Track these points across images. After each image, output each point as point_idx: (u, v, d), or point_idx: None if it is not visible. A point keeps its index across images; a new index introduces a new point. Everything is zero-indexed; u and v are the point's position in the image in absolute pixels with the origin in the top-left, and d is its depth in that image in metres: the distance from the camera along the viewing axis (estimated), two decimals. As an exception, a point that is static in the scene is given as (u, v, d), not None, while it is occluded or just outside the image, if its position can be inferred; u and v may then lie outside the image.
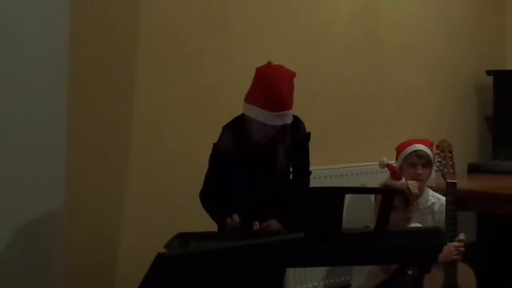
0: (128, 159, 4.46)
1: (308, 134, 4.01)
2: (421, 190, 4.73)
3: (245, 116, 3.84)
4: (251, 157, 3.86)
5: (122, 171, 4.44)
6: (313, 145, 4.11)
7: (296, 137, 3.95)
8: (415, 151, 4.77)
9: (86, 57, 4.18)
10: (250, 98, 3.79)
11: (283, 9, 5.24)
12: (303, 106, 3.97)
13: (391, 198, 3.63)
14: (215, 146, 3.90)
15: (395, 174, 4.22)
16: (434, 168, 4.75)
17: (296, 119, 3.92)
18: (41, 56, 3.24)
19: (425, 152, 4.76)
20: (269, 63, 3.83)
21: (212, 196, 3.89)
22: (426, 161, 4.75)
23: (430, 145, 4.81)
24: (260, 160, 3.88)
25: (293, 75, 3.80)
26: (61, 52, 3.40)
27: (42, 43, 3.24)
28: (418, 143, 4.83)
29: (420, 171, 4.71)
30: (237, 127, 3.88)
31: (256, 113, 3.73)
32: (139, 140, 4.49)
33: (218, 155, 3.89)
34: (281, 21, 5.23)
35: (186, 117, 4.69)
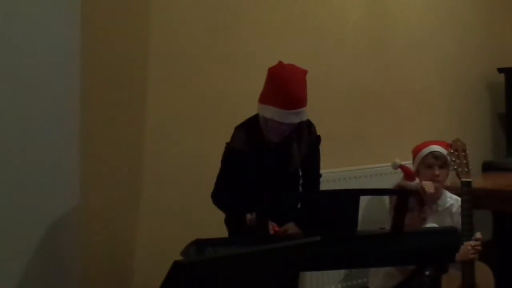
0: (141, 165, 4.46)
1: (319, 137, 4.03)
2: (439, 191, 4.71)
3: (260, 117, 3.85)
4: (264, 157, 3.87)
5: (135, 177, 4.45)
6: (325, 147, 4.12)
7: (309, 140, 3.97)
8: (432, 152, 4.76)
9: (97, 62, 4.18)
10: (265, 98, 3.81)
11: (293, 12, 5.24)
12: (314, 108, 3.96)
13: (406, 199, 3.62)
14: (229, 146, 3.90)
15: (408, 174, 4.21)
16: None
17: (309, 122, 3.94)
18: (53, 62, 3.26)
19: (441, 153, 4.75)
20: (281, 63, 3.85)
21: (227, 195, 3.89)
22: (442, 162, 4.74)
23: (446, 146, 4.80)
24: (273, 160, 3.89)
25: (305, 72, 3.82)
26: (73, 58, 3.42)
27: (54, 49, 3.26)
28: (434, 144, 4.82)
29: (437, 172, 4.70)
30: (250, 128, 3.90)
31: (272, 113, 3.74)
32: (152, 145, 4.49)
33: (232, 154, 3.89)
34: (291, 24, 5.22)
35: (198, 120, 4.69)
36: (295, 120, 3.77)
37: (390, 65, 5.91)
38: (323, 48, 5.42)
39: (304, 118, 3.81)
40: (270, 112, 3.75)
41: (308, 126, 3.95)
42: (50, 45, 3.24)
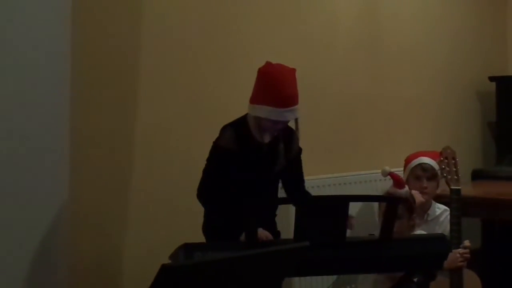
0: (132, 166, 4.46)
1: (300, 149, 4.05)
2: (428, 202, 4.72)
3: (250, 117, 3.88)
4: (251, 157, 3.87)
5: (126, 178, 4.44)
6: (314, 153, 4.15)
7: (290, 146, 3.99)
8: (420, 164, 4.78)
9: (89, 63, 4.18)
10: (257, 98, 3.83)
11: (285, 15, 5.25)
12: (304, 113, 3.96)
13: (396, 206, 3.63)
14: (216, 144, 3.91)
15: (398, 182, 4.22)
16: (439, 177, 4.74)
17: (290, 130, 3.97)
18: (43, 63, 3.26)
19: (430, 165, 4.76)
20: (269, 63, 3.88)
21: (211, 192, 3.89)
22: (430, 174, 4.75)
23: (437, 157, 4.80)
24: (260, 160, 3.90)
25: (294, 70, 3.86)
26: (64, 59, 3.42)
27: (45, 50, 3.26)
28: (424, 155, 4.83)
29: (425, 184, 4.72)
30: (239, 127, 3.90)
31: (267, 112, 3.76)
32: (143, 146, 4.49)
33: (219, 153, 3.89)
34: (283, 26, 5.23)
35: (191, 121, 4.69)
36: (291, 117, 3.81)
37: (382, 72, 5.93)
38: (315, 54, 5.43)
39: (298, 116, 3.85)
40: (265, 112, 3.76)
41: (292, 132, 3.97)
42: (40, 44, 3.24)
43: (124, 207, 4.44)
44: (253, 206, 3.55)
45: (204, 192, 3.93)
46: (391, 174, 4.22)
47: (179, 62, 4.66)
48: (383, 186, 4.63)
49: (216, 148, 3.90)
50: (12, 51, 3.14)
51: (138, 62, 4.48)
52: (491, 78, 6.59)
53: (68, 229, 3.54)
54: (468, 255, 4.37)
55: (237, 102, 4.62)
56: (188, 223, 4.54)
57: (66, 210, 3.46)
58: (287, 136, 3.96)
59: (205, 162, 3.94)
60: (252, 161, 3.88)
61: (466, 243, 4.40)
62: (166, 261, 3.18)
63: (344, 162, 5.55)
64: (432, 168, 4.75)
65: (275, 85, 3.77)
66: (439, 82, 6.42)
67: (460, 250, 4.34)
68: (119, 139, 4.42)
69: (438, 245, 3.75)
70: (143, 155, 4.50)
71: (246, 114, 3.93)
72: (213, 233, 3.96)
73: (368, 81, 5.82)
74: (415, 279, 4.24)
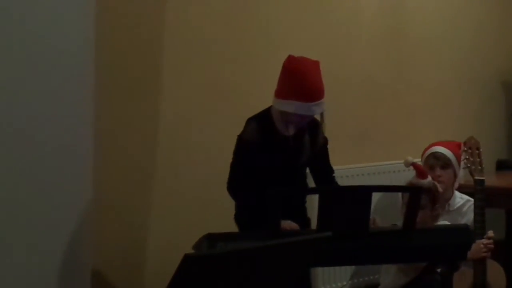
0: (155, 159, 4.48)
1: (326, 139, 4.06)
2: (447, 191, 4.69)
3: (274, 110, 3.90)
4: (275, 149, 3.90)
5: (149, 171, 4.46)
6: (338, 143, 4.14)
7: (316, 139, 4.00)
8: (432, 153, 4.75)
9: (112, 58, 4.20)
10: (284, 93, 3.83)
11: (308, 6, 5.24)
12: (328, 103, 3.96)
13: (419, 196, 3.62)
14: (240, 137, 3.93)
15: (420, 172, 4.20)
16: (462, 165, 4.71)
17: (315, 122, 3.98)
18: (67, 58, 3.27)
19: (442, 153, 4.73)
20: (292, 56, 3.87)
21: (240, 185, 3.93)
22: (443, 163, 4.71)
23: (454, 146, 4.77)
24: (285, 152, 3.92)
25: (318, 63, 3.86)
26: (87, 54, 3.43)
27: (69, 46, 3.27)
28: (438, 145, 4.80)
29: (438, 173, 4.67)
30: (263, 120, 3.93)
31: (295, 107, 3.77)
32: (166, 139, 4.51)
33: (243, 145, 3.92)
34: (306, 18, 5.22)
35: (213, 115, 4.71)
36: (318, 111, 3.84)
37: (405, 60, 5.90)
38: (337, 43, 5.42)
39: (324, 108, 3.86)
40: (293, 107, 3.78)
41: (317, 124, 3.98)
42: (63, 43, 3.26)
43: (147, 199, 4.46)
44: (276, 196, 3.55)
45: (232, 185, 3.96)
46: (413, 165, 4.20)
47: (202, 55, 4.67)
48: (407, 176, 4.61)
49: (240, 141, 3.93)
50: (36, 49, 3.16)
51: (162, 55, 4.49)
52: (516, 68, 6.56)
53: (92, 222, 3.56)
54: (492, 246, 4.35)
55: (259, 94, 4.63)
56: (210, 213, 4.57)
57: (90, 203, 3.48)
58: (313, 128, 3.97)
59: (232, 156, 3.97)
60: (277, 152, 3.90)
61: (490, 233, 4.38)
62: (189, 251, 3.20)
63: (367, 152, 5.54)
64: (444, 156, 4.72)
65: (301, 80, 3.77)
66: (463, 72, 6.39)
67: (484, 241, 4.33)
68: (141, 132, 4.44)
69: (461, 236, 3.73)
70: (166, 147, 4.52)
71: (270, 107, 3.94)
72: (245, 223, 3.97)
73: (391, 72, 5.80)
74: (439, 270, 4.24)
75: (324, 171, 4.11)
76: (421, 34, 6.02)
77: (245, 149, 3.90)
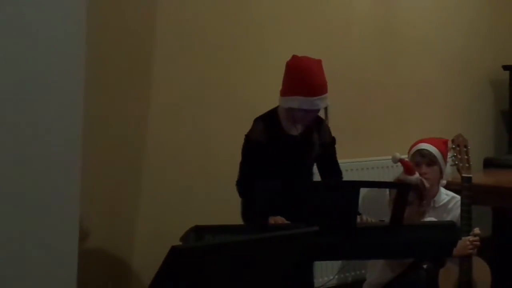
0: (144, 153, 4.47)
1: (334, 138, 4.21)
2: (433, 188, 4.70)
3: (281, 109, 4.01)
4: (283, 148, 3.99)
5: (137, 164, 4.46)
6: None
7: (321, 137, 4.12)
8: (418, 150, 4.76)
9: (101, 51, 4.19)
10: (288, 90, 3.95)
11: (300, 4, 5.24)
12: (332, 102, 4.03)
13: (406, 192, 3.64)
14: (247, 137, 4.02)
15: (408, 169, 4.22)
16: (450, 163, 4.73)
17: (320, 119, 4.10)
18: (56, 51, 3.27)
19: (428, 150, 4.73)
20: (295, 56, 4.01)
21: (248, 185, 3.96)
22: (429, 160, 4.71)
23: (440, 143, 4.79)
24: (292, 150, 4.01)
25: (321, 61, 4.01)
26: (77, 49, 3.42)
27: (57, 39, 3.27)
28: (424, 142, 4.81)
29: (424, 170, 4.67)
30: (269, 120, 4.03)
31: (300, 102, 3.89)
32: (155, 134, 4.51)
33: (250, 145, 4.01)
34: (298, 14, 5.22)
35: (202, 111, 4.70)
36: (322, 105, 3.97)
37: (396, 58, 5.91)
38: (329, 39, 5.42)
39: (329, 103, 4.01)
40: (298, 102, 3.90)
41: (321, 122, 4.11)
42: (52, 37, 3.25)
43: (135, 191, 4.46)
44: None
45: (241, 184, 4.02)
46: (401, 161, 4.22)
47: (194, 48, 4.67)
48: (395, 172, 4.63)
49: (248, 141, 4.02)
50: (24, 43, 3.16)
51: (153, 49, 4.49)
52: (505, 67, 6.56)
53: (80, 216, 3.56)
54: (478, 243, 4.37)
55: (250, 88, 4.67)
56: (199, 205, 4.57)
57: (77, 194, 3.48)
58: (318, 126, 4.10)
59: (241, 155, 4.05)
60: (284, 151, 4.00)
61: (476, 230, 4.40)
62: (177, 243, 3.20)
63: (356, 148, 5.54)
64: (430, 153, 4.72)
65: (304, 76, 3.90)
66: (452, 70, 6.40)
67: (470, 238, 4.35)
68: (130, 124, 4.44)
69: (448, 232, 3.75)
70: (154, 140, 4.51)
71: (277, 107, 4.04)
72: (251, 220, 4.00)
73: (382, 68, 5.81)
74: (425, 266, 4.27)
75: (332, 171, 4.21)
76: (412, 32, 6.03)
77: (252, 148, 4.00)
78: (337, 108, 5.37)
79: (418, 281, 4.26)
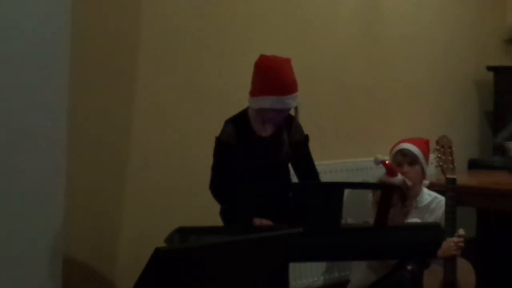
0: (128, 154, 4.46)
1: (307, 136, 4.11)
2: (414, 188, 4.70)
3: (251, 110, 3.95)
4: (252, 149, 3.93)
5: (122, 165, 4.44)
6: (312, 140, 4.14)
7: (291, 136, 4.04)
8: (400, 150, 4.78)
9: (86, 53, 4.18)
10: (258, 90, 3.88)
11: (285, 4, 5.24)
12: (303, 99, 3.99)
13: (391, 193, 3.64)
14: (218, 139, 3.96)
15: (390, 171, 4.23)
16: (434, 164, 4.73)
17: (290, 118, 4.03)
18: (41, 52, 3.26)
19: (409, 150, 4.75)
20: (263, 55, 3.93)
21: (221, 187, 3.95)
22: (410, 159, 4.73)
23: (421, 143, 4.81)
24: (263, 151, 3.95)
25: (289, 60, 3.92)
26: (62, 49, 3.42)
27: (42, 41, 3.26)
28: (406, 142, 4.83)
29: (405, 169, 4.68)
30: (239, 121, 3.96)
31: (271, 102, 3.83)
32: (139, 135, 4.49)
33: (220, 147, 3.95)
34: (283, 15, 5.22)
35: (186, 111, 4.70)
36: (293, 104, 3.88)
37: (380, 60, 5.92)
38: (313, 41, 5.42)
39: (299, 102, 3.92)
40: (268, 102, 3.83)
41: (292, 120, 4.03)
42: (37, 37, 3.25)
43: (120, 190, 4.44)
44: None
45: (214, 186, 3.99)
46: (383, 163, 4.23)
47: (178, 47, 4.66)
48: (379, 173, 4.64)
49: (218, 143, 3.97)
50: (9, 44, 3.14)
51: (138, 47, 4.48)
52: (489, 68, 6.59)
53: (64, 218, 3.55)
54: (462, 244, 4.38)
55: (234, 87, 4.66)
56: (183, 206, 4.56)
57: (62, 193, 3.47)
58: (288, 124, 4.02)
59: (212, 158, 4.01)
60: (255, 152, 3.94)
61: (461, 231, 4.41)
62: (161, 244, 3.20)
63: (339, 149, 5.55)
64: (411, 153, 4.74)
65: (273, 75, 3.83)
66: (437, 71, 6.42)
67: (455, 239, 4.35)
68: (115, 122, 4.42)
69: (432, 234, 3.76)
70: (139, 138, 4.50)
71: (247, 108, 3.99)
72: (230, 218, 3.98)
73: (366, 69, 5.82)
74: (409, 267, 4.27)
75: (307, 170, 4.16)
76: (396, 32, 6.04)
77: (223, 150, 3.94)
78: (322, 109, 5.40)
79: (402, 282, 4.26)
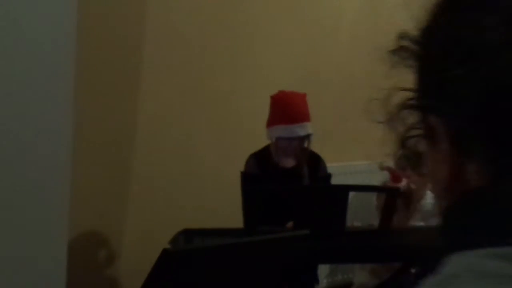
0: (133, 156, 4.46)
1: (330, 175, 4.28)
2: (419, 191, 4.68)
3: (270, 144, 4.12)
4: (276, 180, 4.08)
5: (127, 168, 4.45)
6: (317, 142, 4.15)
7: (316, 173, 4.19)
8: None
9: (92, 54, 4.18)
10: (271, 121, 4.07)
11: (290, 7, 5.24)
12: (309, 102, 4.01)
13: (395, 196, 3.64)
14: (242, 173, 4.12)
15: (395, 177, 4.23)
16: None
17: (316, 156, 4.20)
18: (46, 55, 3.26)
19: None
20: (281, 90, 4.13)
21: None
22: None
23: None
24: (283, 182, 4.09)
25: (305, 95, 4.10)
26: (67, 51, 3.42)
27: (47, 42, 3.26)
28: None
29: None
30: (261, 155, 4.15)
31: (280, 131, 4.01)
32: (143, 137, 4.50)
33: (246, 179, 4.08)
34: (288, 17, 5.22)
35: (191, 115, 4.70)
36: (302, 132, 4.02)
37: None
38: (318, 42, 5.43)
39: (309, 131, 4.06)
40: (278, 131, 4.01)
41: (316, 159, 4.21)
42: (42, 39, 3.25)
43: (124, 193, 4.45)
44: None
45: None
46: (388, 169, 4.23)
47: (183, 53, 4.66)
48: (384, 177, 4.64)
49: (243, 176, 4.11)
50: (14, 45, 3.15)
51: (142, 53, 4.48)
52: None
53: (68, 220, 3.54)
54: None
55: (239, 93, 4.64)
56: (188, 208, 4.56)
57: (67, 194, 3.47)
58: (314, 162, 4.19)
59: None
60: (277, 183, 4.08)
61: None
62: (165, 245, 3.20)
63: (345, 152, 5.55)
64: None
65: (285, 106, 4.02)
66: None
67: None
68: (120, 127, 4.43)
69: (437, 237, 3.74)
70: (143, 142, 4.51)
71: (269, 144, 4.16)
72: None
73: (371, 71, 5.80)
74: (413, 271, 4.26)
75: None
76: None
77: (246, 180, 4.06)
78: (327, 112, 5.40)
79: (406, 286, 4.25)
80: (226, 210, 4.30)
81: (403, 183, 4.25)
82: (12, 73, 3.14)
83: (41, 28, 3.23)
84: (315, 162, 4.21)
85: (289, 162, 4.14)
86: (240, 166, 4.23)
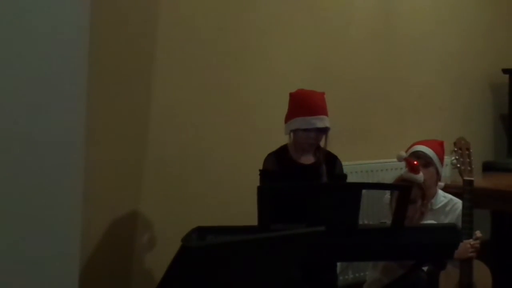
0: (145, 153, 4.47)
1: (345, 176, 4.35)
2: (429, 189, 4.68)
3: (289, 140, 4.17)
4: (295, 176, 4.12)
5: (139, 165, 4.45)
6: (330, 141, 4.17)
7: (333, 172, 4.23)
8: (414, 152, 4.74)
9: (105, 54, 4.19)
10: (290, 115, 4.15)
11: (301, 5, 5.24)
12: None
13: (408, 194, 3.64)
14: (261, 170, 4.17)
15: (413, 167, 4.23)
16: (451, 166, 4.72)
17: (333, 156, 4.25)
18: (60, 51, 3.27)
19: (423, 152, 4.71)
20: (300, 89, 4.21)
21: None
22: (425, 161, 4.69)
23: (435, 145, 4.77)
24: (303, 178, 4.12)
25: (323, 93, 4.19)
26: (81, 49, 3.42)
27: (60, 39, 3.27)
28: (420, 144, 4.80)
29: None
30: (279, 153, 4.20)
31: (298, 123, 4.08)
32: (156, 133, 4.50)
33: (265, 176, 4.14)
34: (299, 16, 5.23)
35: (203, 112, 4.70)
36: (319, 124, 4.09)
37: (395, 62, 5.92)
38: (329, 42, 5.43)
39: (328, 124, 4.13)
40: (296, 123, 4.09)
41: (332, 159, 4.25)
42: (55, 35, 3.26)
43: (137, 191, 4.45)
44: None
45: None
46: (406, 160, 4.25)
47: (195, 51, 4.66)
48: (395, 175, 4.64)
49: (262, 173, 4.17)
50: (27, 41, 3.16)
51: (154, 50, 4.49)
52: (505, 71, 6.57)
53: (82, 217, 3.55)
54: (478, 246, 4.37)
55: (251, 90, 4.65)
56: (201, 206, 4.57)
57: (80, 193, 3.47)
58: (331, 161, 4.24)
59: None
60: (296, 179, 4.12)
61: (478, 233, 4.40)
62: (178, 243, 3.20)
63: (357, 151, 5.55)
64: (425, 155, 4.70)
65: (304, 100, 4.12)
66: (452, 73, 6.41)
67: (471, 241, 4.35)
68: (132, 126, 4.43)
69: (449, 235, 3.75)
70: (155, 141, 4.50)
71: (286, 143, 4.21)
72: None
73: (380, 72, 5.82)
74: (425, 268, 4.27)
75: None
76: (412, 35, 6.04)
77: (265, 176, 4.14)
78: (337, 111, 5.39)
79: (418, 283, 4.26)
80: (239, 208, 4.30)
81: (421, 175, 4.26)
82: (25, 71, 3.15)
83: (54, 26, 3.24)
84: (332, 161, 4.24)
85: (308, 159, 4.17)
86: (253, 162, 4.24)
